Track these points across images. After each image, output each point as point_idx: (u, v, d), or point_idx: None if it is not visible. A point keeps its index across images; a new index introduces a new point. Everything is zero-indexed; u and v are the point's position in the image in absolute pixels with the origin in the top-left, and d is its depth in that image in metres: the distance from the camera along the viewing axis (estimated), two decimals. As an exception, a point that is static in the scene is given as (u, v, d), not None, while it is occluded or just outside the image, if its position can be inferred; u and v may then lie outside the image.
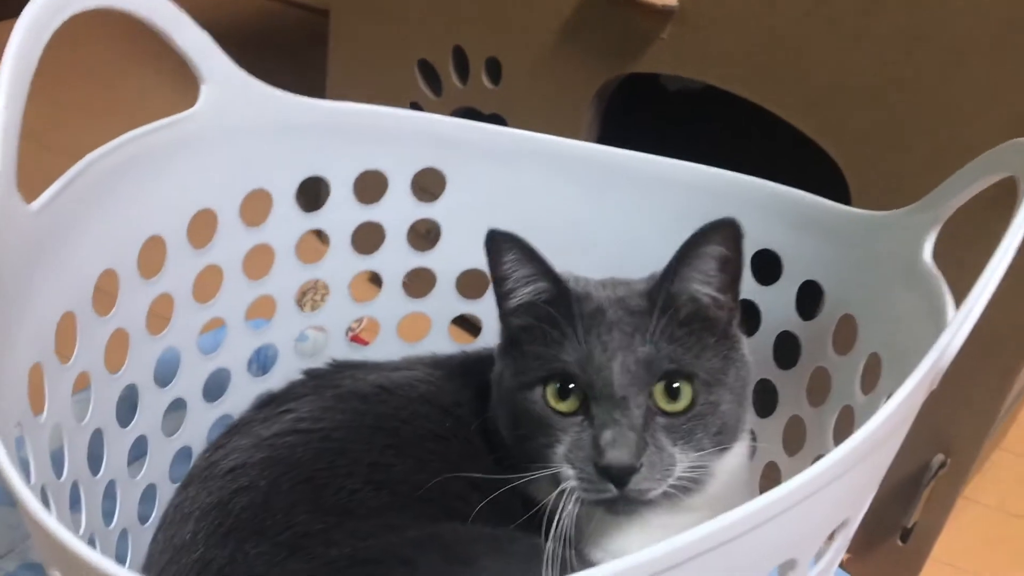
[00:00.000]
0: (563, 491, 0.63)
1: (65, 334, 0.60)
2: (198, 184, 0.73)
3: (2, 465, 0.42)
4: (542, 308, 0.67)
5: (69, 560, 0.39)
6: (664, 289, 0.65)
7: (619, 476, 0.61)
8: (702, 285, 0.66)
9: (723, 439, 0.65)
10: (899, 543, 0.96)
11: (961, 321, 0.49)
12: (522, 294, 0.68)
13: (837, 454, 0.44)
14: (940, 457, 0.90)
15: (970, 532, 1.08)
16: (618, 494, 0.61)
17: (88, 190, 0.60)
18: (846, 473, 0.46)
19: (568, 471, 0.63)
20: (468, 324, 0.96)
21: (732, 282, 0.67)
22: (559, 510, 0.62)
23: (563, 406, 0.64)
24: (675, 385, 0.63)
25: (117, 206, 0.64)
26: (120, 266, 0.67)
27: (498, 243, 0.67)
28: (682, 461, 0.63)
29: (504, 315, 0.70)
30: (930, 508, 0.93)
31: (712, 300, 0.66)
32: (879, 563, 0.98)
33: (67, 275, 0.60)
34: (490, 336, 0.91)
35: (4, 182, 0.51)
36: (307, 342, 0.98)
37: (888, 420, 0.46)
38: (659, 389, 0.63)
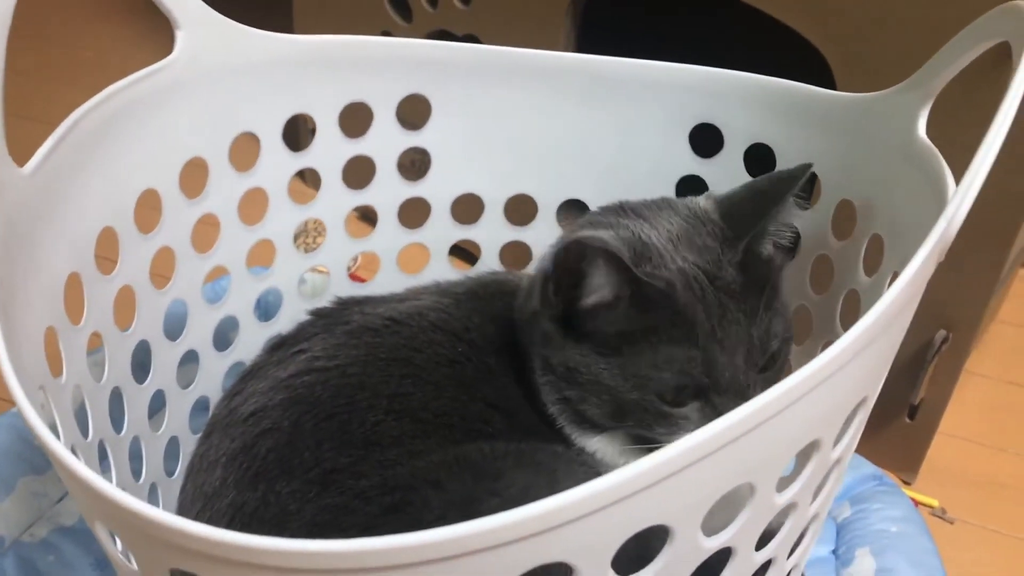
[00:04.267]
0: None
1: (74, 295, 0.60)
2: (184, 132, 0.72)
3: (36, 428, 0.42)
4: (634, 312, 0.62)
5: (113, 510, 0.39)
6: (755, 256, 0.65)
7: None
8: (780, 237, 0.66)
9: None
10: (907, 420, 0.99)
11: (966, 190, 0.49)
12: (599, 297, 0.63)
13: (856, 330, 0.44)
14: (942, 333, 0.92)
15: (974, 404, 1.11)
16: None
17: (77, 148, 0.59)
18: (866, 348, 0.46)
19: None
20: (465, 253, 0.96)
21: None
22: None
23: (678, 399, 0.63)
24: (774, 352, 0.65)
25: (107, 161, 0.64)
26: (118, 223, 0.66)
27: (587, 256, 0.61)
28: None
29: (566, 308, 0.65)
30: (935, 383, 0.95)
31: (785, 246, 0.67)
32: (889, 442, 1.00)
33: (68, 235, 0.59)
34: (490, 261, 0.92)
35: (-7, 147, 0.50)
36: (306, 285, 0.98)
37: (903, 292, 0.47)
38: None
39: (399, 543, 0.37)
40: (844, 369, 0.45)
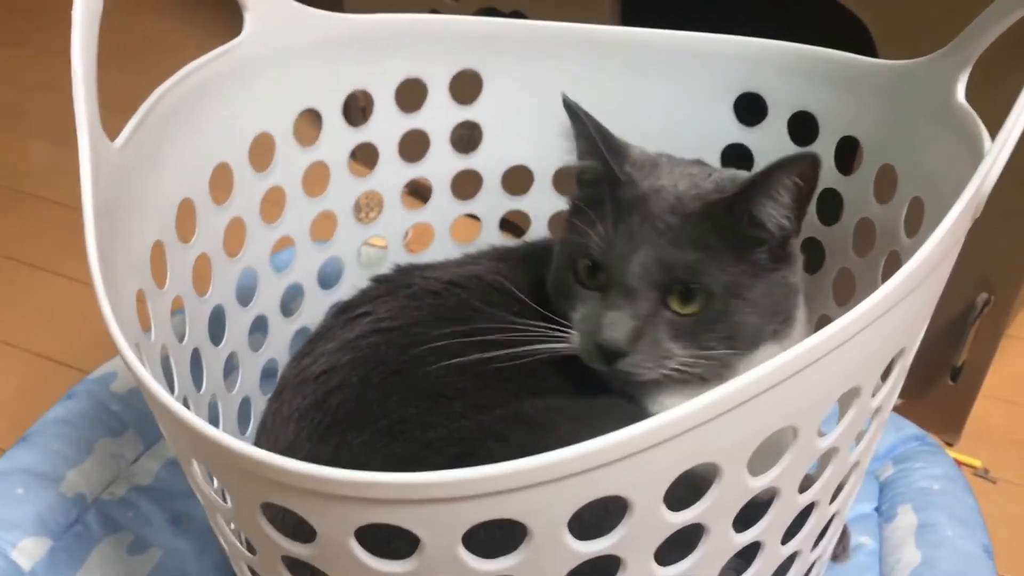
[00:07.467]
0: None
1: (158, 262, 0.65)
2: (253, 108, 0.76)
3: (141, 376, 0.45)
4: (588, 186, 0.72)
5: (213, 448, 0.43)
6: (727, 203, 0.67)
7: (610, 356, 0.67)
8: (772, 209, 0.67)
9: (735, 344, 0.68)
10: (950, 383, 1.00)
11: (1000, 146, 0.52)
12: (582, 163, 0.74)
13: (895, 280, 0.47)
14: (984, 296, 0.93)
15: (1018, 369, 1.12)
16: (608, 369, 0.67)
17: (159, 123, 0.64)
18: (904, 299, 0.49)
19: (575, 337, 0.69)
20: (513, 227, 0.99)
21: (799, 210, 0.68)
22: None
23: (591, 283, 0.70)
24: (689, 290, 0.67)
25: (185, 137, 0.68)
26: (195, 194, 0.71)
27: (570, 110, 0.73)
28: (678, 355, 0.67)
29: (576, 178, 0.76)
30: (977, 346, 0.97)
31: (776, 223, 0.68)
32: (933, 404, 1.02)
33: (153, 205, 0.64)
34: (539, 230, 0.95)
35: (91, 123, 0.54)
36: (361, 258, 1.02)
37: (939, 245, 0.49)
38: (675, 292, 0.67)
39: (474, 475, 0.41)
40: (883, 318, 0.48)
